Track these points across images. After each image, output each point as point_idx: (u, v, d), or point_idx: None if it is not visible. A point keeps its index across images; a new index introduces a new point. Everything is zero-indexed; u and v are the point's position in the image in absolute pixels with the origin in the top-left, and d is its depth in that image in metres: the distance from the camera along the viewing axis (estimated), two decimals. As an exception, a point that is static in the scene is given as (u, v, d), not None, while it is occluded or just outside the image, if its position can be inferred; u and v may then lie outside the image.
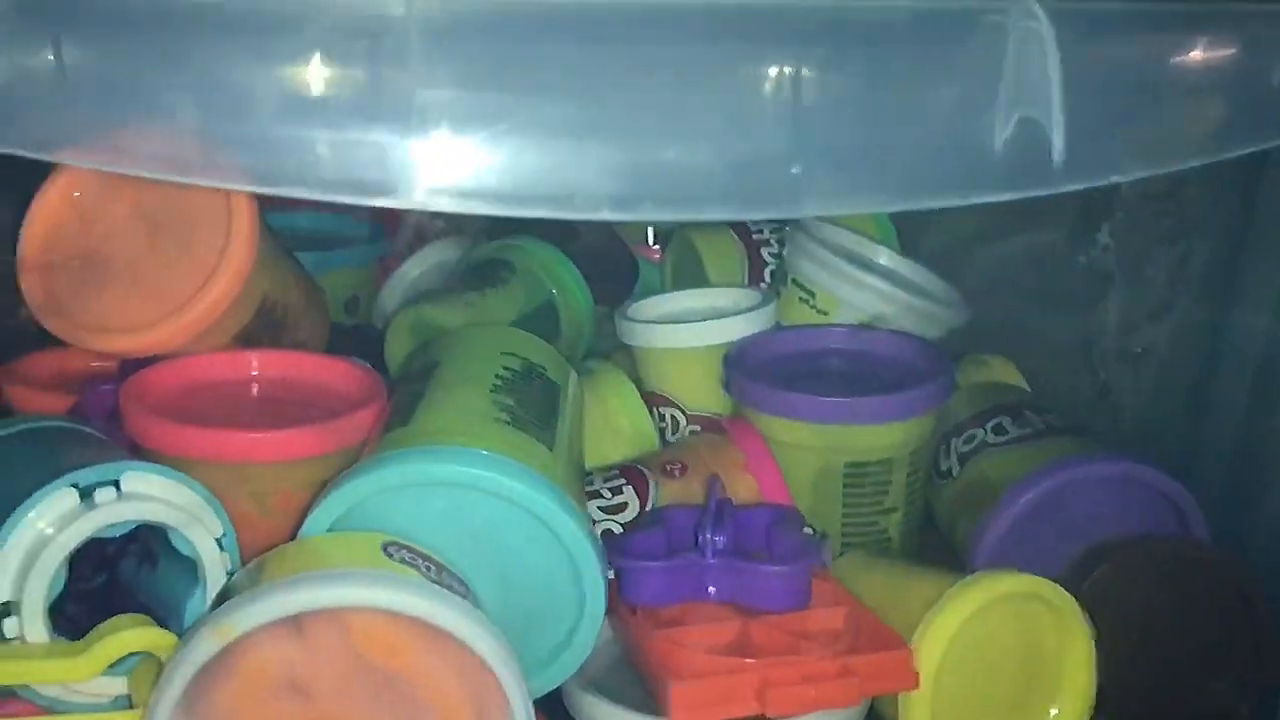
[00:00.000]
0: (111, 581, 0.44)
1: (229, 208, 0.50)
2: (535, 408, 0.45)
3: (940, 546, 0.58)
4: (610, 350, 0.70)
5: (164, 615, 0.42)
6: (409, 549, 0.39)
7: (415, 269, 0.76)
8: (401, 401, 0.45)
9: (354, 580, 0.36)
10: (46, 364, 0.59)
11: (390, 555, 0.38)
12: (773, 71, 0.30)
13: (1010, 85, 0.31)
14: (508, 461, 0.40)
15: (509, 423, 0.43)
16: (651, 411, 0.59)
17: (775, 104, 0.30)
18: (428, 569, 0.38)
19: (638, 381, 0.60)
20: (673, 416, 0.60)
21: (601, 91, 0.29)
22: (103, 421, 0.51)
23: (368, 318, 0.76)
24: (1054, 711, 0.46)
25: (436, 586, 0.37)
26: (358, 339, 0.70)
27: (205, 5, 0.29)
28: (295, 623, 0.36)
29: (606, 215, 0.28)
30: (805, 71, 0.30)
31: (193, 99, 0.30)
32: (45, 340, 0.59)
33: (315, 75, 0.28)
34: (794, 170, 0.29)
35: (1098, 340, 0.61)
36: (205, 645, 0.35)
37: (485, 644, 0.36)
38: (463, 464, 0.40)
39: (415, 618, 0.36)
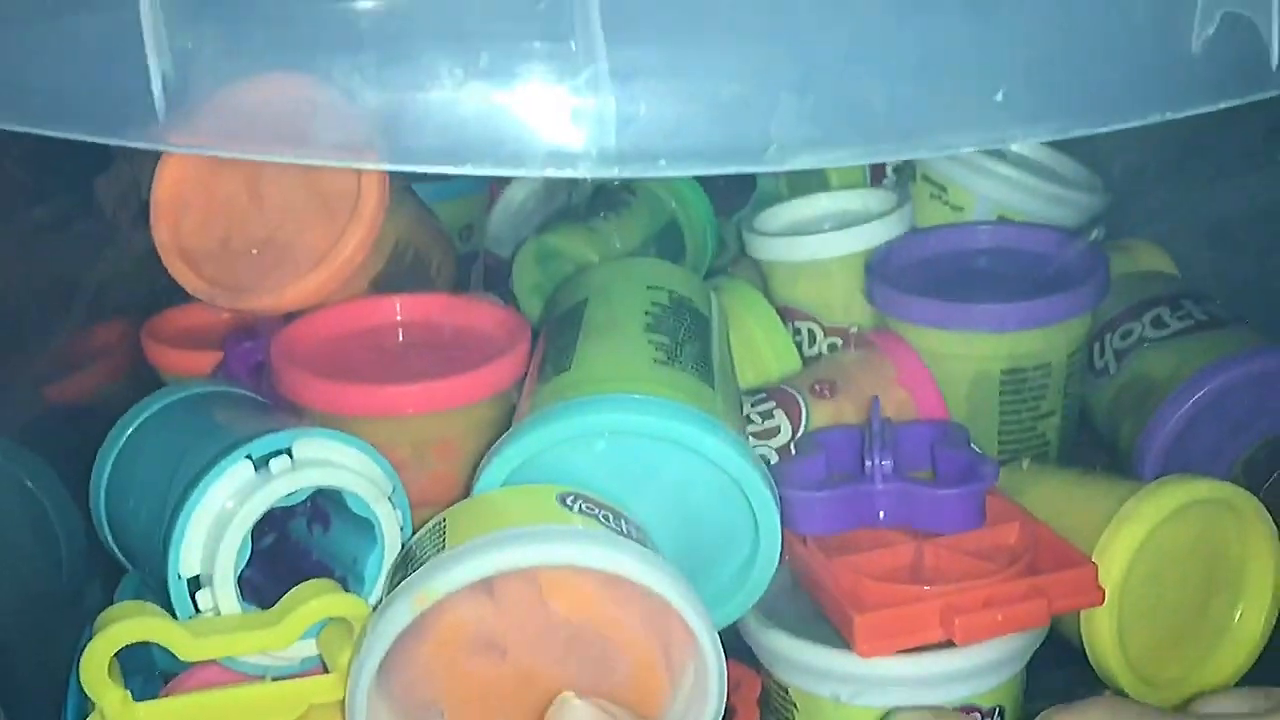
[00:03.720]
0: (282, 541, 0.45)
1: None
2: (689, 342, 0.44)
3: (1095, 445, 0.56)
4: (727, 263, 0.69)
5: (341, 574, 0.43)
6: (586, 499, 0.39)
7: (521, 192, 0.74)
8: (557, 345, 0.44)
9: (545, 539, 0.36)
10: (182, 320, 0.59)
11: (570, 507, 0.38)
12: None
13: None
14: (674, 404, 0.40)
15: (666, 362, 0.42)
16: (786, 326, 0.58)
17: (971, 21, 0.28)
18: (607, 518, 0.38)
19: (769, 296, 0.59)
20: (809, 330, 0.58)
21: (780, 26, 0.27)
22: (248, 378, 0.52)
23: (480, 245, 0.75)
24: (1238, 613, 0.45)
25: (621, 537, 0.37)
26: (480, 268, 0.69)
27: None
28: (487, 582, 0.36)
29: (804, 162, 0.26)
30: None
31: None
32: (177, 295, 0.60)
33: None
34: (998, 97, 0.27)
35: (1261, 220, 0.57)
36: (404, 613, 0.35)
37: (671, 589, 0.36)
38: (632, 411, 0.39)
39: (605, 571, 0.36)
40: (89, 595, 0.47)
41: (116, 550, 0.46)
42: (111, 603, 0.46)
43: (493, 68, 0.26)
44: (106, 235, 0.55)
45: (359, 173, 0.49)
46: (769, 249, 0.58)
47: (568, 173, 0.26)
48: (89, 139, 0.26)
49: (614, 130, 0.26)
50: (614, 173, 0.26)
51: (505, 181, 0.75)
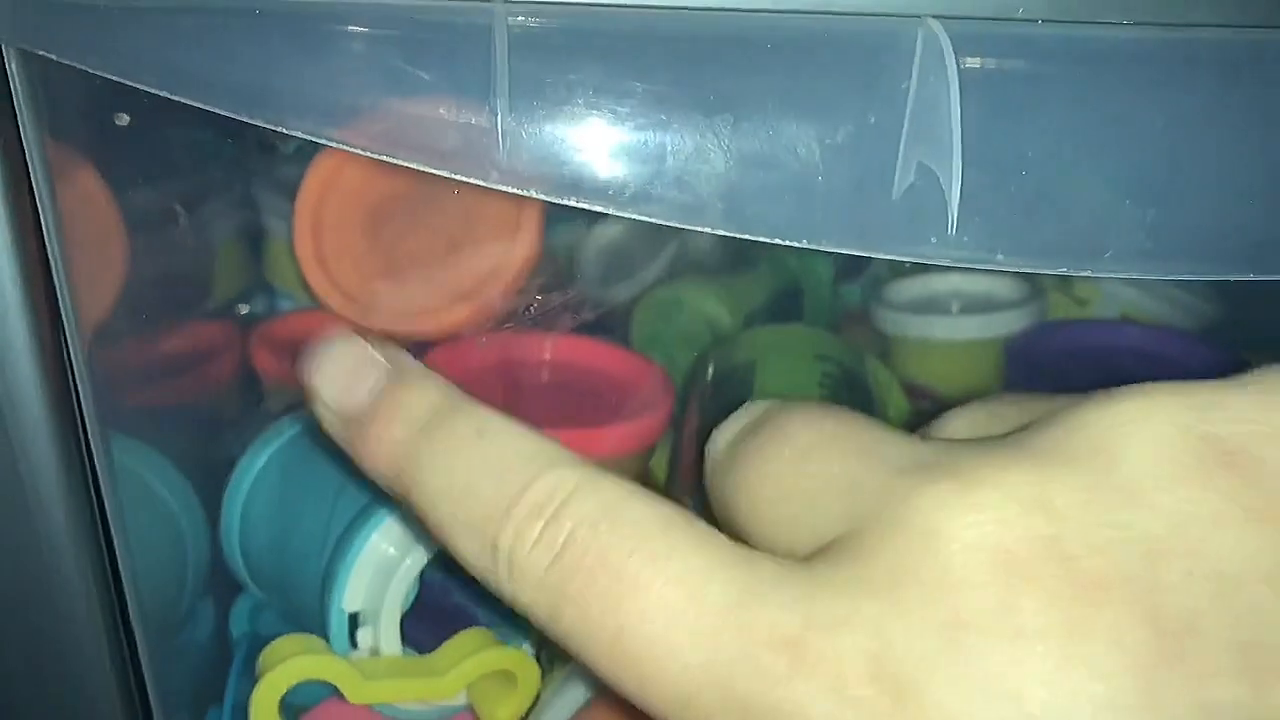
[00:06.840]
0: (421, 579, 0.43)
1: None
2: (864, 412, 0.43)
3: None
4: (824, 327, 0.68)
5: (488, 622, 0.41)
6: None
7: (614, 229, 0.73)
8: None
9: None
10: (296, 326, 0.57)
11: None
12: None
13: None
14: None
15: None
16: (909, 403, 0.57)
17: None
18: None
19: (892, 369, 0.58)
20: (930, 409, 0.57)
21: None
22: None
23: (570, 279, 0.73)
24: None
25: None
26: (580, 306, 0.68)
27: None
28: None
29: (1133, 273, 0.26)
30: None
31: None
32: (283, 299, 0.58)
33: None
34: None
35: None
36: (581, 692, 0.34)
37: None
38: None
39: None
40: (201, 613, 0.45)
41: (244, 571, 0.44)
42: (226, 623, 0.45)
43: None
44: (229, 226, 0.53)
45: (519, 203, 0.48)
46: (903, 325, 0.57)
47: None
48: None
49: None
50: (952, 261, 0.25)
51: (600, 216, 0.74)
